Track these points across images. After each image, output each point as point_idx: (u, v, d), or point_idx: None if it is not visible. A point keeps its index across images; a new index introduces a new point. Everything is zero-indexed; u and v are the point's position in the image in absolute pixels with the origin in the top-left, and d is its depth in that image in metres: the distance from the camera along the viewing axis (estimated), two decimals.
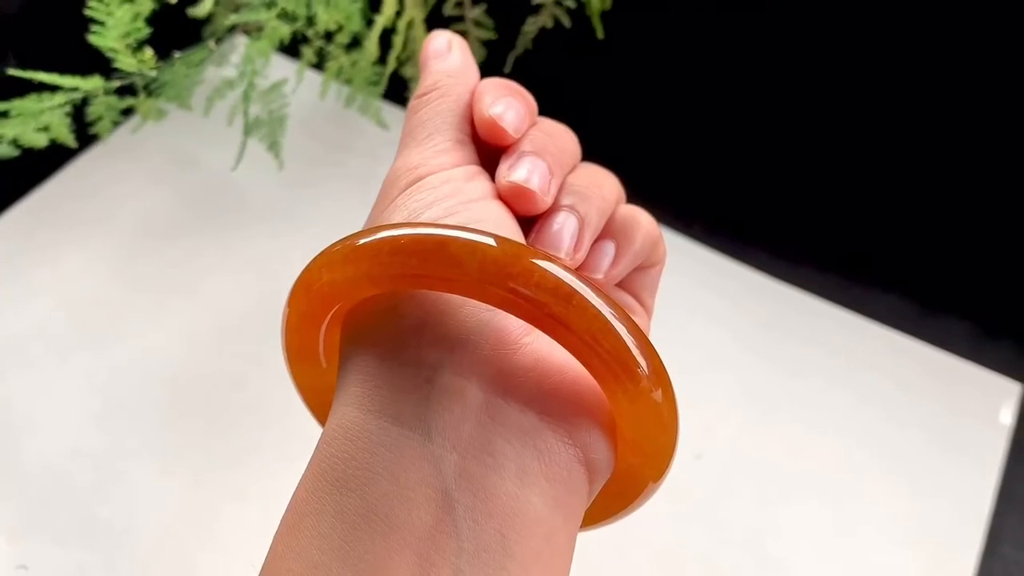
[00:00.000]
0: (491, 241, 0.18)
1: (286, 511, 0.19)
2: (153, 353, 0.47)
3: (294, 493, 0.19)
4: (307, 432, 0.45)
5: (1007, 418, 0.45)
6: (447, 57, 0.25)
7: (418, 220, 0.21)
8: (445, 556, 0.17)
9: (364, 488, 0.17)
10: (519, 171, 0.22)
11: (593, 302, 0.18)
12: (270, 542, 0.19)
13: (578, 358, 0.18)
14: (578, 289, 0.18)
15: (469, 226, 0.19)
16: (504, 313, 0.19)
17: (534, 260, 0.18)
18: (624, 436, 0.19)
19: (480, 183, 0.22)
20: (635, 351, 0.18)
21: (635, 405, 0.18)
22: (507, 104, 0.23)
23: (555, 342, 0.19)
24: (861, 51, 0.51)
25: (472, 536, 0.17)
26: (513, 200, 0.22)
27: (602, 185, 0.23)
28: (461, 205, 0.21)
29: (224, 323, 0.48)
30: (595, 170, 0.24)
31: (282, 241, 0.52)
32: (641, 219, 0.24)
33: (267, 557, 0.19)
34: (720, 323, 0.48)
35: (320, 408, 0.24)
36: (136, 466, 0.43)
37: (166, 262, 0.51)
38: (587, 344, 0.18)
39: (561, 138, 0.24)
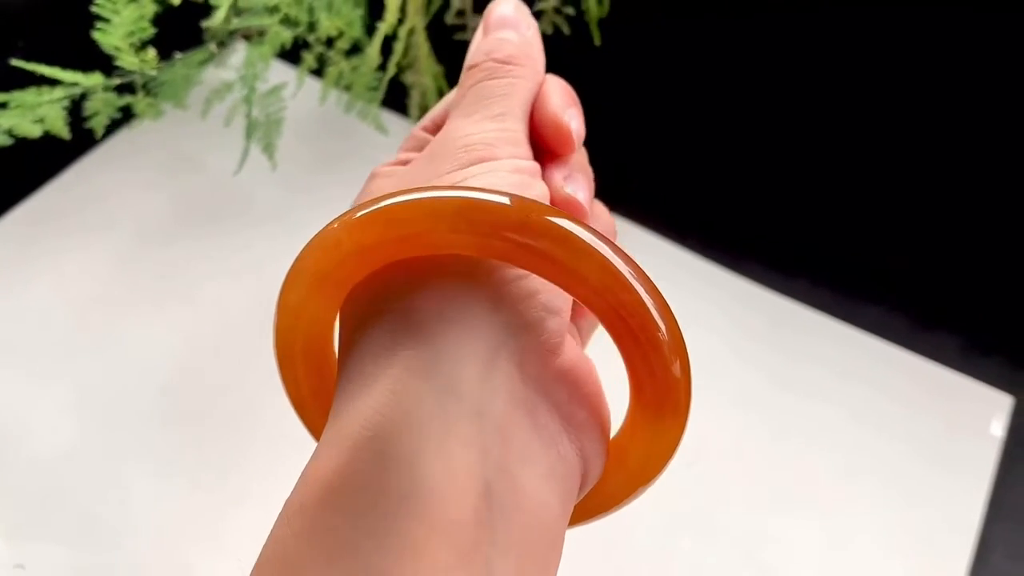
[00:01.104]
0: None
1: (305, 484, 0.17)
2: (150, 354, 0.47)
3: (315, 466, 0.18)
4: (301, 435, 0.45)
5: (998, 430, 0.45)
6: (519, 28, 0.24)
7: None
8: (480, 547, 0.16)
9: (412, 463, 0.16)
10: (578, 189, 0.23)
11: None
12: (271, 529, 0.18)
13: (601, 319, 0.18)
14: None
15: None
16: (551, 315, 0.19)
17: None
18: (641, 408, 0.19)
19: (542, 186, 0.22)
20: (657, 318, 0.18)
21: (655, 378, 0.18)
22: (577, 115, 0.23)
23: (582, 352, 0.19)
24: (854, 67, 0.52)
25: (504, 530, 0.17)
26: (564, 209, 0.22)
27: (610, 221, 0.25)
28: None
29: (222, 325, 0.48)
30: (603, 208, 0.25)
31: (280, 244, 0.52)
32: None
33: (278, 535, 0.17)
34: (714, 333, 0.49)
35: (315, 407, 0.24)
36: (134, 467, 0.42)
37: (164, 265, 0.51)
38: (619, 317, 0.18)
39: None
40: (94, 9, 0.44)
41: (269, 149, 0.49)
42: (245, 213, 0.54)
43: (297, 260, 0.20)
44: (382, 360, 0.18)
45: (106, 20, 0.44)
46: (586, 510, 0.21)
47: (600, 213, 0.25)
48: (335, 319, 0.21)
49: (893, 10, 0.50)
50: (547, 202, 0.21)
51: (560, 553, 0.19)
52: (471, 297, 0.18)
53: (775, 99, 0.54)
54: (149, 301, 0.49)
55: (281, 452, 0.43)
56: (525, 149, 0.22)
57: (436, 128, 0.24)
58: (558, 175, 0.23)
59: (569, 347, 0.20)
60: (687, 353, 0.19)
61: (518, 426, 0.18)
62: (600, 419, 0.20)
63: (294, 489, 0.18)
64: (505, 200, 0.18)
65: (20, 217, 0.53)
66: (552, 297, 0.19)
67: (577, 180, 0.23)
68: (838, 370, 0.48)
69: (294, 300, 0.20)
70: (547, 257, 0.18)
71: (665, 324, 0.18)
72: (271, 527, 0.17)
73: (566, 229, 0.18)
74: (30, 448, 0.43)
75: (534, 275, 0.19)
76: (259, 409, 0.44)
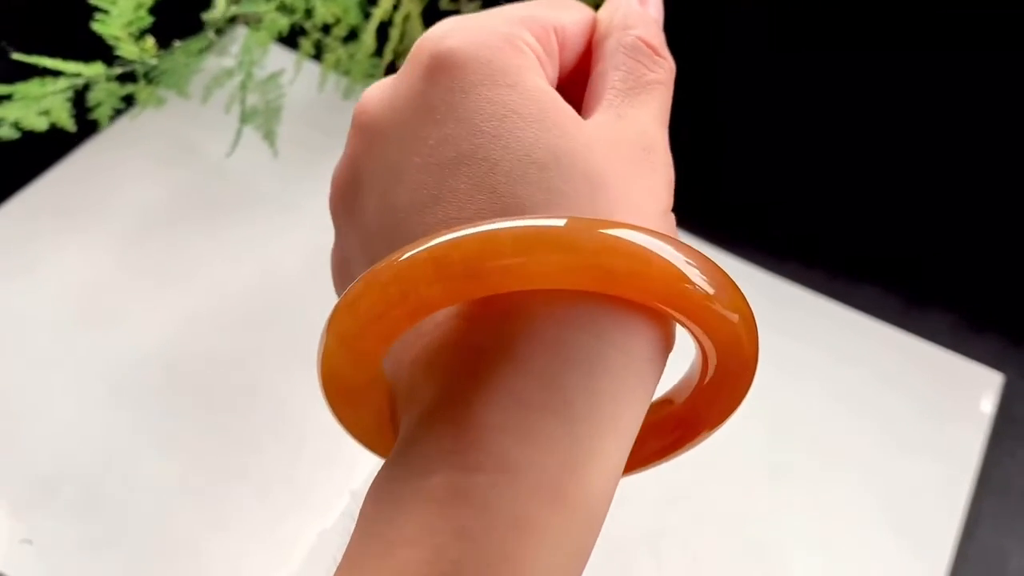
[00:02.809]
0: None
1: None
2: (153, 337, 0.48)
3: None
4: (301, 413, 0.46)
5: (988, 407, 0.46)
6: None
7: None
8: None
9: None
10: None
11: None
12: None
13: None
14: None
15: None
16: None
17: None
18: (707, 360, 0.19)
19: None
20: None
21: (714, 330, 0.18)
22: None
23: None
24: (845, 52, 0.52)
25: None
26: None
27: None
28: None
29: (222, 308, 0.49)
30: None
31: (279, 229, 0.53)
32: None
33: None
34: None
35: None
36: (137, 445, 0.44)
37: (166, 249, 0.52)
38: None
39: None
40: (92, 1, 0.44)
41: (270, 136, 0.50)
42: (245, 198, 0.55)
43: (436, 248, 0.16)
44: (589, 400, 0.16)
45: (104, 11, 0.45)
46: (644, 457, 0.21)
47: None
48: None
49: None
50: None
51: None
52: (656, 348, 0.18)
53: (768, 81, 0.55)
54: (151, 284, 0.50)
55: (278, 429, 0.44)
56: None
57: (562, 44, 0.21)
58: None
59: None
60: (748, 309, 0.18)
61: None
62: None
63: (460, 502, 0.15)
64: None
65: (22, 203, 0.54)
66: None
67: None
68: (831, 349, 0.48)
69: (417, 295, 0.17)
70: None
71: (716, 285, 0.17)
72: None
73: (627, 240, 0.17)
74: (35, 427, 0.44)
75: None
76: (259, 388, 0.46)
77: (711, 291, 0.17)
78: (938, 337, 0.49)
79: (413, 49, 0.20)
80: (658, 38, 0.21)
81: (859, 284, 0.51)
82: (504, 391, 0.16)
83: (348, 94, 0.54)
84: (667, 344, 0.18)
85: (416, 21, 0.51)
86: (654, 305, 0.17)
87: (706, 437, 0.20)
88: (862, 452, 0.45)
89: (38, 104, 0.45)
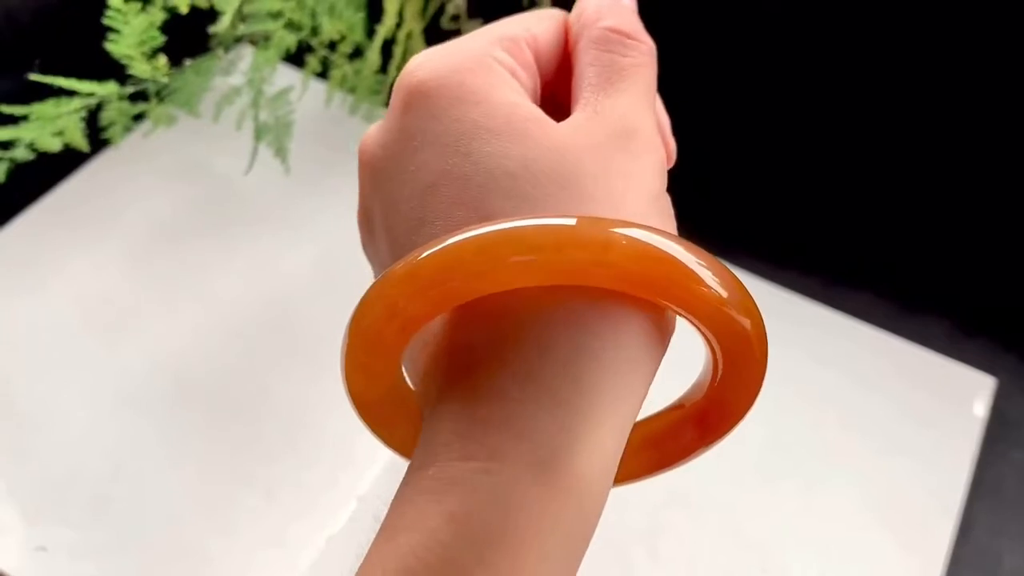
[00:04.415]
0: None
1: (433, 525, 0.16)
2: (163, 348, 0.49)
3: (448, 504, 0.16)
4: (308, 421, 0.47)
5: (981, 411, 0.47)
6: None
7: None
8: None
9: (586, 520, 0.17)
10: None
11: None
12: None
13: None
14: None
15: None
16: None
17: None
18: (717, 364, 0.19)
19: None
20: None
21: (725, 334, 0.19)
22: None
23: None
24: (839, 54, 0.53)
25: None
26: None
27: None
28: None
29: (231, 320, 0.50)
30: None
31: (287, 243, 0.54)
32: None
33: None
34: None
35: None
36: (148, 453, 0.45)
37: (176, 263, 0.53)
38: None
39: None
40: (105, 21, 0.46)
41: (282, 152, 0.51)
42: (253, 213, 0.56)
43: (447, 249, 0.17)
44: (584, 393, 0.17)
45: (116, 31, 0.46)
46: (655, 462, 0.21)
47: None
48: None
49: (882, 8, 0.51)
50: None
51: None
52: (652, 344, 0.18)
53: (762, 92, 0.56)
54: (161, 297, 0.52)
55: (286, 438, 0.45)
56: None
57: (537, 53, 0.22)
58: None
59: None
60: (758, 312, 0.19)
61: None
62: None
63: (450, 489, 0.16)
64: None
65: (35, 216, 0.55)
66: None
67: None
68: (825, 354, 0.49)
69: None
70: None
71: (727, 288, 0.18)
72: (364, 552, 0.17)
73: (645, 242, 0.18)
74: (49, 437, 0.45)
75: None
76: (267, 398, 0.47)
77: (724, 294, 0.18)
78: (931, 342, 0.50)
79: (394, 86, 0.21)
80: (630, 23, 0.21)
81: (853, 290, 0.52)
82: (493, 387, 0.17)
83: (354, 110, 0.55)
84: (660, 333, 0.19)
85: (419, 39, 0.52)
86: (652, 299, 0.18)
87: (720, 440, 0.21)
88: (857, 455, 0.46)
89: (53, 124, 0.46)
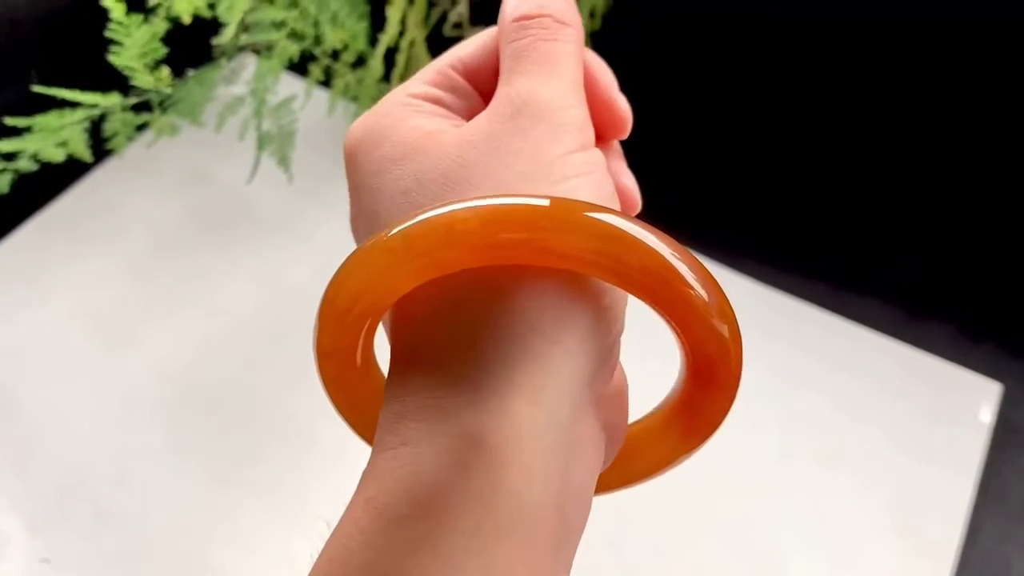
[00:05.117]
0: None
1: (395, 480, 0.18)
2: (166, 358, 0.49)
3: (407, 463, 0.18)
4: (311, 429, 0.47)
5: (987, 417, 0.47)
6: None
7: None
8: (558, 555, 0.18)
9: (520, 492, 0.17)
10: (631, 177, 0.23)
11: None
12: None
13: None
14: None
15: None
16: (620, 334, 0.20)
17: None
18: (692, 375, 0.20)
19: (610, 178, 0.21)
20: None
21: (703, 342, 0.19)
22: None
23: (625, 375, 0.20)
24: (843, 67, 0.53)
25: (569, 546, 0.19)
26: (623, 199, 0.23)
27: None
28: (613, 198, 0.21)
29: (233, 329, 0.50)
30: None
31: (290, 252, 0.54)
32: None
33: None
34: None
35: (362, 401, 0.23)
36: (151, 463, 0.45)
37: (178, 272, 0.53)
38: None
39: None
40: (108, 34, 0.46)
41: (285, 162, 0.51)
42: (256, 222, 0.56)
43: (407, 229, 0.18)
44: (491, 371, 0.18)
45: (119, 43, 0.46)
46: (628, 475, 0.21)
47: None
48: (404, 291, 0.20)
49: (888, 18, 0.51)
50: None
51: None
52: (574, 318, 0.19)
53: (768, 98, 0.56)
54: (164, 306, 0.51)
55: (289, 445, 0.45)
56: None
57: (467, 71, 0.22)
58: (615, 164, 0.23)
59: (619, 369, 0.21)
60: (734, 317, 0.19)
61: (585, 442, 0.19)
62: (626, 421, 0.21)
63: (371, 480, 0.18)
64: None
65: (38, 226, 0.55)
66: (622, 315, 0.20)
67: (625, 167, 0.23)
68: (833, 361, 0.49)
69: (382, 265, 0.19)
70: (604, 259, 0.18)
71: (707, 290, 0.18)
72: (342, 514, 0.19)
73: (620, 228, 0.18)
74: (52, 448, 0.45)
75: (615, 290, 0.19)
76: (269, 406, 0.47)
77: (705, 297, 0.18)
78: (938, 348, 0.49)
79: None
80: (534, 5, 0.22)
81: (859, 296, 0.52)
82: (431, 360, 0.18)
83: (356, 119, 0.55)
84: (587, 302, 0.19)
85: (421, 47, 0.52)
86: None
87: (698, 448, 0.21)
88: (864, 461, 0.46)
89: (56, 136, 0.46)
